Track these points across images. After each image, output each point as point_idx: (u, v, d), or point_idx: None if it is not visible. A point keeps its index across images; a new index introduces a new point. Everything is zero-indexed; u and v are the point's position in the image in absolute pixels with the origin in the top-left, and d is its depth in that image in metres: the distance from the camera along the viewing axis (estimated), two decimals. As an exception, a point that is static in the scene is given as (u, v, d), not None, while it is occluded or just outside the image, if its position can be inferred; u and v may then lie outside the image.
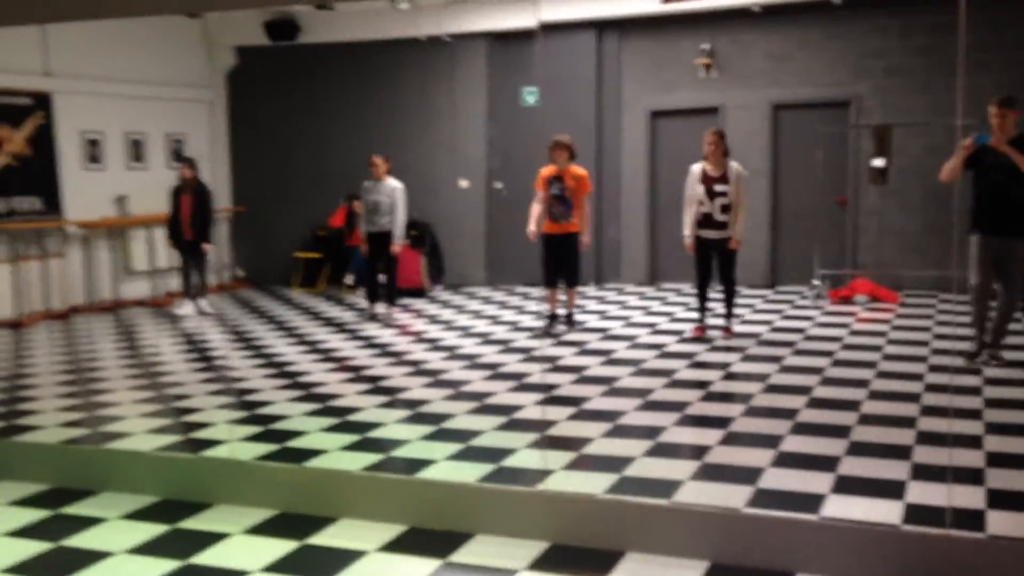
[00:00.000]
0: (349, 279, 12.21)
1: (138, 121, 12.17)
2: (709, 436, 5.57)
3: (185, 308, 10.49)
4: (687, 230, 8.33)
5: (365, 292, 10.17)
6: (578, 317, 9.62)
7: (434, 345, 8.58)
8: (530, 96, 12.09)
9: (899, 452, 5.17)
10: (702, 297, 8.50)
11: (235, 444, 5.62)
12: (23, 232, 10.49)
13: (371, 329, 9.45)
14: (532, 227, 8.87)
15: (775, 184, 11.30)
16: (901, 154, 10.32)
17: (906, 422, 5.72)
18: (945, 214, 10.32)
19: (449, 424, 5.99)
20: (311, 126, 13.11)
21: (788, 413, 5.98)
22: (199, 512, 4.59)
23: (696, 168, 8.33)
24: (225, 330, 9.63)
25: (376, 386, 7.06)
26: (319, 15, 12.38)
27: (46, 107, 10.91)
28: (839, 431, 5.58)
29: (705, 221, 8.25)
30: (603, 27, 11.68)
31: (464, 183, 12.40)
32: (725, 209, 8.20)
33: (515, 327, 9.36)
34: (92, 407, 6.64)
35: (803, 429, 5.65)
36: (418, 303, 11.23)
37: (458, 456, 5.33)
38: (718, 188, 8.19)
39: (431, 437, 5.72)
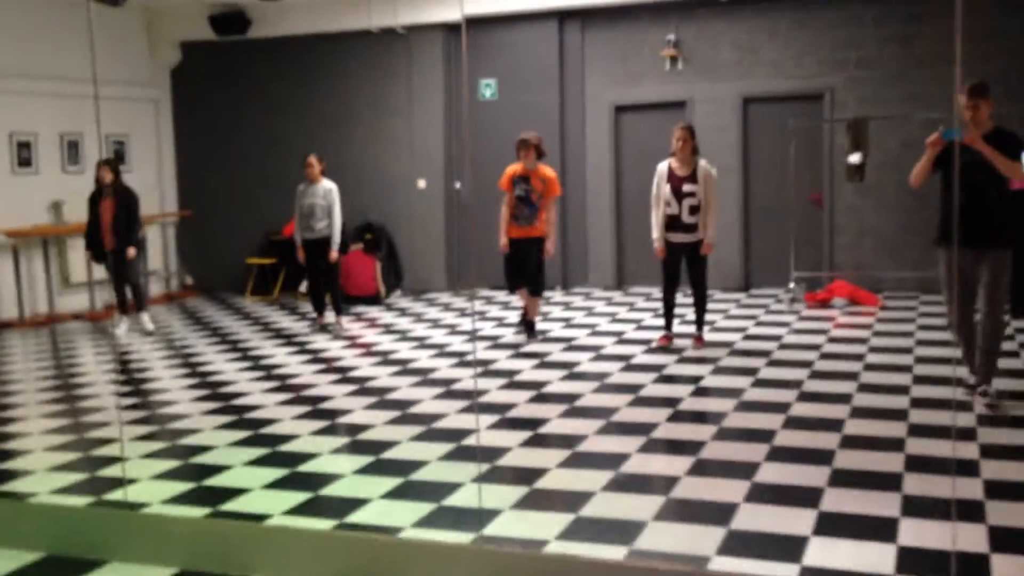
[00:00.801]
0: (304, 286, 11.55)
1: (75, 122, 11.44)
2: (677, 464, 5.01)
3: (121, 326, 9.68)
4: (656, 232, 7.77)
5: (311, 303, 9.51)
6: (542, 326, 9.05)
7: (384, 359, 7.97)
8: (487, 89, 11.50)
9: (888, 482, 4.63)
10: (669, 304, 7.95)
11: (148, 483, 4.99)
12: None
13: (319, 342, 8.82)
14: (503, 239, 8.29)
15: (746, 182, 10.78)
16: (878, 149, 9.83)
17: (894, 444, 5.18)
18: (926, 211, 9.81)
19: (389, 454, 5.39)
20: (261, 125, 12.45)
21: (764, 435, 5.43)
22: (89, 572, 3.97)
23: (663, 167, 7.77)
24: (161, 346, 8.95)
25: (315, 408, 6.44)
26: (268, 7, 11.73)
27: (-29, 107, 10.19)
28: (820, 457, 5.03)
29: (672, 223, 7.70)
30: (565, 16, 11.11)
31: (422, 183, 11.79)
32: (694, 210, 7.65)
33: (473, 337, 8.78)
34: (-3, 439, 5.98)
35: (780, 454, 5.10)
36: (373, 311, 10.61)
37: (395, 493, 4.73)
38: (686, 188, 7.64)
39: (367, 470, 5.12)
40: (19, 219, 10.62)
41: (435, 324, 9.55)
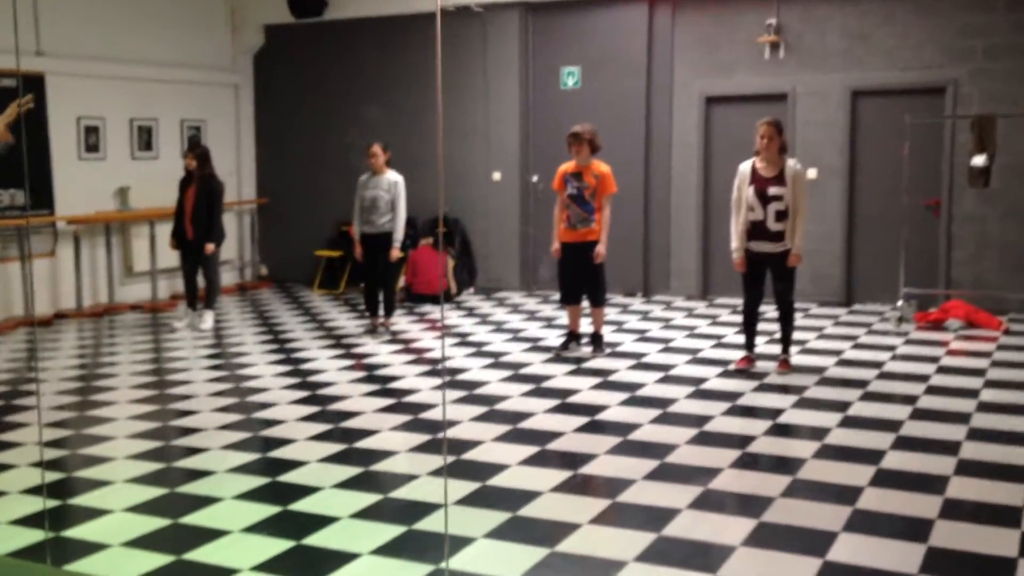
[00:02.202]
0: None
1: (147, 106, 11.13)
2: (733, 529, 4.13)
3: (184, 320, 9.28)
4: (735, 242, 6.84)
5: (365, 302, 8.88)
6: (612, 337, 8.21)
7: (432, 369, 7.28)
8: (570, 77, 10.67)
9: (1002, 569, 3.67)
10: (750, 322, 7.01)
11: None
12: (2, 230, 9.50)
13: (368, 345, 8.20)
14: (555, 243, 7.52)
15: (853, 185, 9.65)
16: (1006, 150, 8.62)
17: (1009, 516, 4.19)
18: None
19: (400, 492, 4.67)
20: (337, 111, 11.92)
21: (848, 494, 4.50)
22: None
23: (745, 167, 6.83)
24: (208, 343, 8.47)
25: (336, 427, 5.77)
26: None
27: (37, 90, 9.92)
28: (916, 529, 4.08)
29: (756, 231, 6.75)
30: (655, 0, 10.17)
31: (497, 175, 11.07)
32: (780, 216, 6.68)
33: (535, 345, 8.01)
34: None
35: (866, 523, 4.16)
36: (439, 311, 9.94)
37: (390, 549, 4.01)
38: (772, 191, 6.68)
39: (362, 515, 4.41)
40: (83, 206, 10.34)
41: (498, 328, 8.82)
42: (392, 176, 8.50)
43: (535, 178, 10.86)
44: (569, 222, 7.40)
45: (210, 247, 9.01)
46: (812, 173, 9.60)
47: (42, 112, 9.97)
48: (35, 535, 4.14)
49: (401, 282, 10.83)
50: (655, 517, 4.27)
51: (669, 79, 10.21)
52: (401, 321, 9.37)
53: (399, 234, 8.48)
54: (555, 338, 8.24)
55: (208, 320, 9.13)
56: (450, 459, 5.13)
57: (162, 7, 11.20)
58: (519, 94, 10.82)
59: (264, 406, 6.26)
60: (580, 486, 4.74)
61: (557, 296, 10.30)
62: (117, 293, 10.62)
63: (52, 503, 4.52)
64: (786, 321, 6.91)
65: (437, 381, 6.88)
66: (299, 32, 11.90)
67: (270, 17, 11.92)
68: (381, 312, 8.76)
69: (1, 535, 4.16)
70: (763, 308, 7.20)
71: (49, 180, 10.05)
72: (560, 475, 4.86)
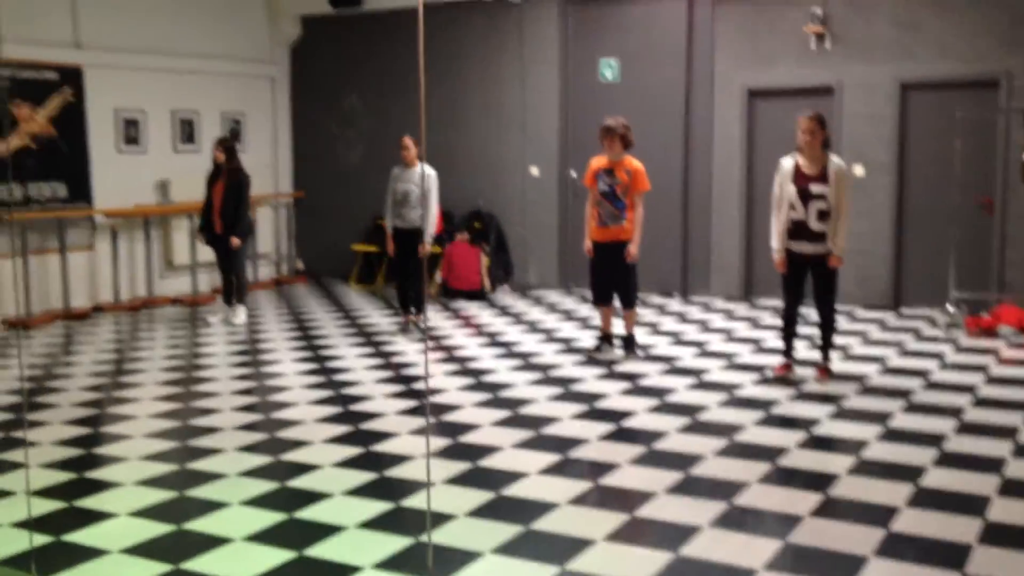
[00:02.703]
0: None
1: (186, 99, 11.13)
2: (756, 550, 3.91)
3: (216, 316, 9.25)
4: (775, 242, 6.58)
5: (397, 299, 8.74)
6: (646, 339, 7.99)
7: (460, 367, 7.12)
8: (608, 70, 10.42)
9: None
10: (790, 325, 6.73)
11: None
12: (41, 222, 9.54)
13: (399, 343, 8.07)
14: (587, 242, 7.33)
15: (902, 182, 9.28)
16: (1066, 147, 8.21)
17: (1056, 544, 3.91)
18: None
19: (413, 502, 4.51)
20: (374, 104, 11.82)
21: (882, 515, 4.24)
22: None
23: (787, 163, 6.55)
24: (235, 340, 8.41)
25: (356, 429, 5.64)
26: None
27: (76, 83, 9.95)
28: (953, 555, 3.82)
29: (797, 231, 6.47)
30: (695, -11, 9.89)
31: (535, 170, 10.87)
32: (823, 216, 6.39)
33: (568, 347, 7.81)
34: None
35: (899, 547, 3.91)
36: (473, 307, 9.79)
37: (395, 564, 3.85)
38: (815, 189, 6.39)
39: (369, 525, 4.27)
40: (122, 199, 10.36)
41: (532, 327, 8.63)
42: (424, 169, 8.35)
43: (573, 173, 10.65)
44: (600, 220, 7.19)
45: (236, 241, 8.93)
46: (859, 170, 9.26)
47: (80, 105, 10.00)
48: (39, 540, 4.06)
49: (437, 278, 10.71)
50: (674, 535, 4.07)
51: (710, 71, 9.91)
52: (435, 318, 9.23)
53: (431, 229, 8.33)
54: (589, 339, 8.03)
55: (240, 315, 9.09)
56: (467, 466, 4.97)
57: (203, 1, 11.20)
58: (558, 87, 10.60)
59: (284, 406, 6.15)
60: (598, 498, 4.54)
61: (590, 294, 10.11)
62: (157, 287, 10.64)
63: (57, 506, 4.44)
64: (826, 326, 6.62)
65: (465, 381, 6.73)
66: (337, 24, 11.81)
67: (308, 8, 11.85)
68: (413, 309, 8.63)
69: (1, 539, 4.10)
70: (805, 311, 6.93)
71: (87, 173, 10.08)
72: (579, 486, 4.67)
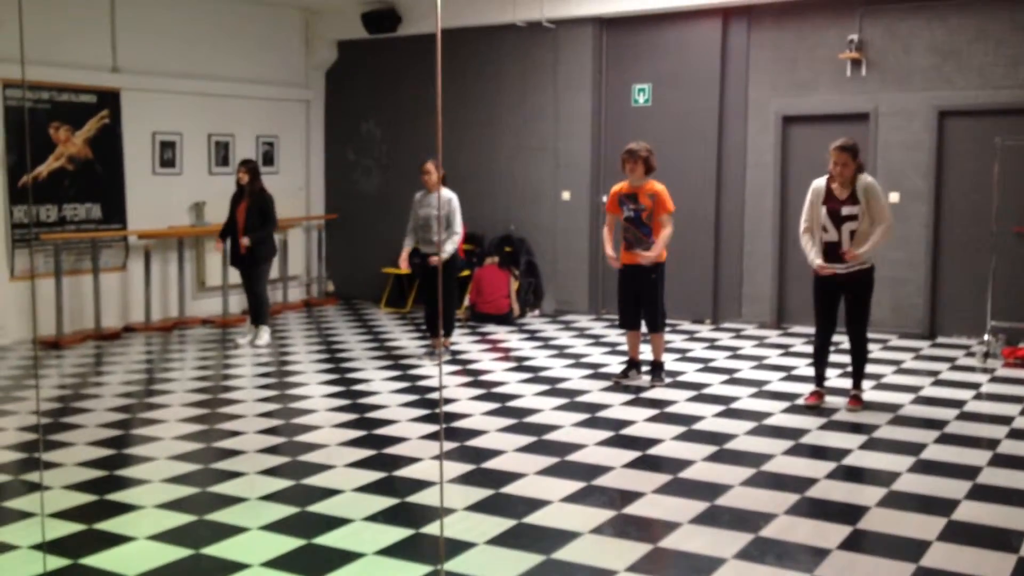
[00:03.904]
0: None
1: (222, 123, 11.26)
2: (781, 584, 3.81)
3: (245, 337, 9.27)
4: (814, 255, 6.40)
5: (425, 323, 8.72)
6: (675, 366, 7.89)
7: (486, 392, 7.07)
8: (640, 94, 10.39)
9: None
10: (822, 352, 6.62)
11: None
12: (75, 243, 9.66)
13: (426, 367, 8.03)
14: (610, 250, 7.28)
15: (938, 209, 9.13)
16: (1108, 175, 8.04)
17: (1095, 585, 3.77)
18: None
19: (433, 528, 4.46)
20: (407, 128, 11.86)
21: (913, 549, 4.12)
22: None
23: (820, 183, 6.44)
24: (257, 362, 8.43)
25: (378, 453, 5.60)
26: (416, 2, 11.18)
27: (113, 106, 10.10)
28: (984, 594, 3.70)
29: (830, 252, 6.36)
30: (729, 14, 9.83)
31: (566, 195, 10.84)
32: (855, 237, 6.29)
33: (596, 372, 7.74)
34: None
35: (928, 584, 3.80)
36: (501, 332, 9.75)
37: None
38: (846, 211, 6.28)
39: (388, 552, 4.21)
40: (157, 220, 10.47)
41: (560, 352, 8.57)
42: (445, 193, 8.35)
43: (605, 198, 10.59)
44: (628, 244, 7.15)
45: (245, 241, 8.90)
46: (895, 197, 9.12)
47: (117, 127, 10.15)
48: (55, 562, 4.06)
49: (466, 301, 10.69)
50: (697, 568, 3.98)
51: (743, 97, 9.85)
52: (462, 341, 9.20)
53: (450, 247, 8.25)
54: (617, 365, 7.96)
55: (264, 336, 9.11)
56: (488, 492, 4.91)
57: (237, 24, 11.33)
58: (591, 111, 10.58)
59: (308, 428, 6.14)
60: (622, 528, 4.45)
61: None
62: (188, 307, 10.71)
63: (76, 528, 4.44)
64: (858, 353, 6.50)
65: (490, 406, 6.68)
66: (372, 48, 11.90)
67: (344, 33, 11.96)
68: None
69: (17, 560, 4.10)
70: (837, 339, 6.81)
71: (122, 194, 10.21)
72: (602, 515, 4.59)
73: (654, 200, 7.06)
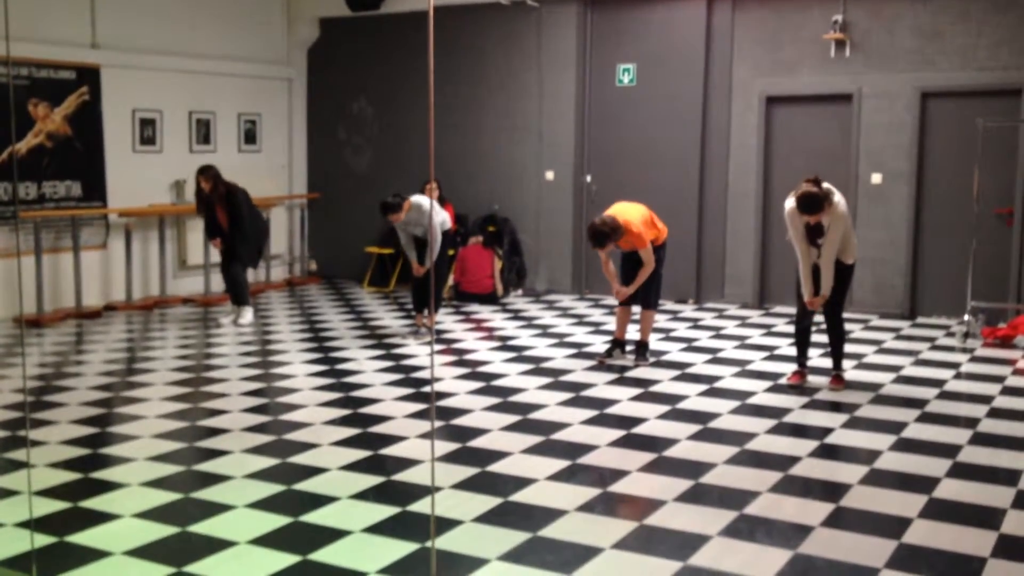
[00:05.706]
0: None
1: (203, 100, 11.15)
2: (768, 560, 3.85)
3: (228, 316, 9.23)
4: (804, 286, 6.42)
5: (412, 300, 8.73)
6: (659, 346, 7.93)
7: (471, 371, 7.09)
8: (625, 75, 10.37)
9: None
10: (804, 335, 6.66)
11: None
12: (55, 221, 9.57)
13: (410, 346, 8.04)
14: (616, 284, 7.38)
15: (920, 190, 9.19)
16: (1087, 157, 8.11)
17: (1072, 561, 3.84)
18: None
19: (419, 506, 4.48)
20: (390, 107, 11.80)
21: (895, 526, 4.18)
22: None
23: (789, 204, 6.32)
24: (247, 341, 8.40)
25: (364, 432, 5.61)
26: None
27: (92, 83, 9.98)
28: (966, 567, 3.76)
29: (817, 269, 6.41)
30: (715, -6, 9.82)
31: (550, 175, 10.83)
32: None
33: (580, 352, 7.77)
34: None
35: (911, 559, 3.85)
36: (485, 311, 9.76)
37: (400, 568, 3.82)
38: (820, 241, 6.32)
39: (375, 529, 4.23)
40: (137, 198, 10.38)
41: (544, 332, 8.59)
42: (425, 208, 8.23)
43: (589, 178, 10.61)
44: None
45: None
46: (876, 178, 9.18)
47: (96, 104, 10.03)
48: (42, 539, 4.04)
49: (450, 280, 10.67)
50: (682, 544, 4.01)
51: (728, 77, 9.85)
52: (447, 321, 9.21)
53: (438, 234, 8.27)
54: (601, 344, 7.99)
55: (247, 315, 9.08)
56: (475, 471, 4.93)
57: (218, 0, 11.21)
58: (575, 91, 10.56)
59: (293, 407, 6.13)
60: (607, 506, 4.49)
61: (608, 300, 10.06)
62: (170, 286, 10.65)
63: (61, 506, 4.43)
64: (835, 334, 6.56)
65: (474, 385, 6.69)
66: (354, 26, 11.81)
67: (326, 10, 11.85)
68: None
69: (3, 538, 4.08)
70: (819, 319, 6.86)
71: (102, 172, 10.11)
72: (587, 493, 4.62)
73: (632, 240, 7.11)
